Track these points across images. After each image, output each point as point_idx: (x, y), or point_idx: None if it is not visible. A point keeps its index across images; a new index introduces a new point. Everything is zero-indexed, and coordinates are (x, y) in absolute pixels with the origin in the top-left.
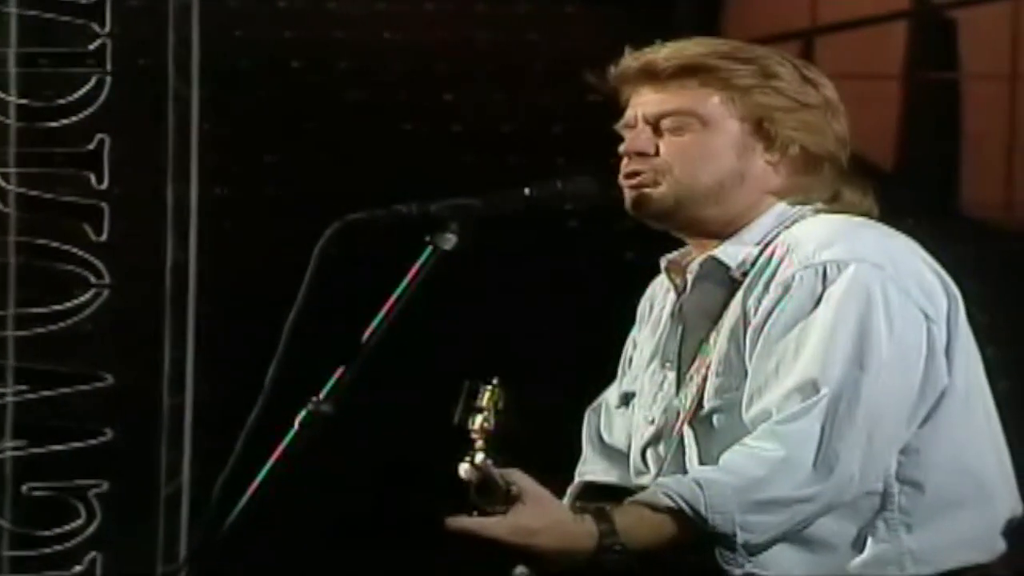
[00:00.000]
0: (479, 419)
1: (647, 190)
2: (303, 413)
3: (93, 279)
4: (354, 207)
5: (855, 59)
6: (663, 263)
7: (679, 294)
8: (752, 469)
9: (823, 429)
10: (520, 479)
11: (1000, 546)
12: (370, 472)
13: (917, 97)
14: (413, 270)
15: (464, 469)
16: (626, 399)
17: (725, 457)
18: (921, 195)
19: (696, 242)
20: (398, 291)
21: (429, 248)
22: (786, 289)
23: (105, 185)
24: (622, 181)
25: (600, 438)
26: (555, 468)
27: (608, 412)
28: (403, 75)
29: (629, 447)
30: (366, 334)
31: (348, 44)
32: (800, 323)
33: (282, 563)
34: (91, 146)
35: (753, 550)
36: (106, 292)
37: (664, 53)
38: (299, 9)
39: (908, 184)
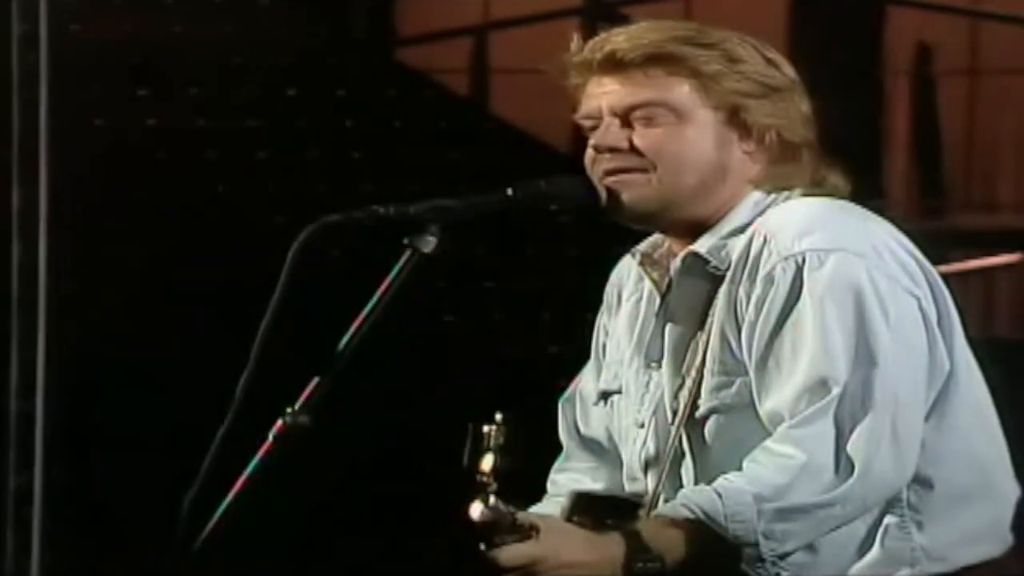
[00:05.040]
0: (488, 460)
1: (629, 194)
2: (278, 425)
3: None
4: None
5: (529, 55)
6: (636, 256)
7: (662, 292)
8: (772, 476)
9: (839, 429)
10: (532, 516)
11: (1010, 537)
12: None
13: None
14: (392, 274)
15: (478, 511)
16: (604, 396)
17: (748, 465)
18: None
19: (672, 236)
20: (376, 296)
21: (408, 251)
22: (770, 283)
23: None
24: (598, 178)
25: (578, 430)
26: None
27: (584, 404)
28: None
29: (610, 441)
30: (343, 341)
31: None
32: (790, 317)
33: None
34: None
35: (782, 558)
36: None
37: (624, 42)
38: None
39: (582, 171)
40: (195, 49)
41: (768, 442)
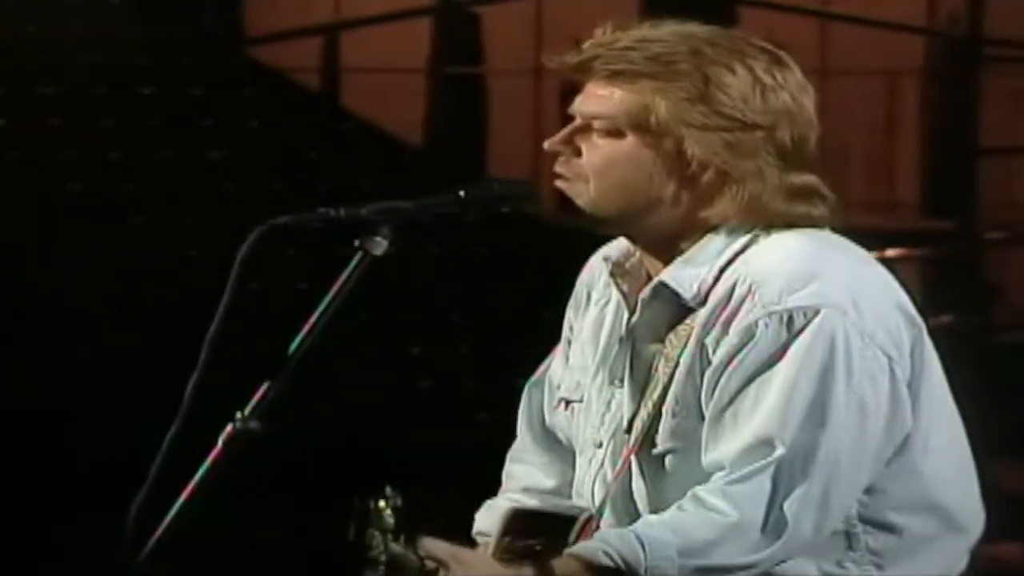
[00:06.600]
0: (378, 535)
1: (570, 198)
2: (227, 430)
3: None
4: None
5: (381, 54)
6: (608, 264)
7: (630, 309)
8: (700, 531)
9: (774, 490)
10: (435, 547)
11: (962, 565)
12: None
13: (443, 90)
14: (342, 277)
15: None
16: (565, 403)
17: (675, 512)
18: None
19: (636, 245)
20: (326, 299)
21: (359, 253)
22: (749, 336)
23: None
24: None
25: (542, 419)
26: None
27: (551, 392)
28: None
29: (569, 442)
30: (292, 345)
31: None
32: (763, 373)
33: None
34: None
35: None
36: None
37: (608, 49)
38: None
39: (440, 170)
40: (49, 48)
41: (700, 491)
